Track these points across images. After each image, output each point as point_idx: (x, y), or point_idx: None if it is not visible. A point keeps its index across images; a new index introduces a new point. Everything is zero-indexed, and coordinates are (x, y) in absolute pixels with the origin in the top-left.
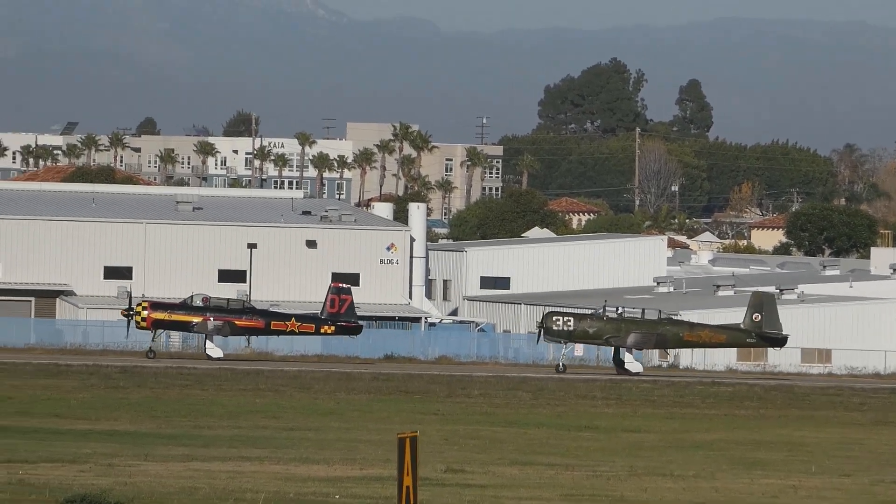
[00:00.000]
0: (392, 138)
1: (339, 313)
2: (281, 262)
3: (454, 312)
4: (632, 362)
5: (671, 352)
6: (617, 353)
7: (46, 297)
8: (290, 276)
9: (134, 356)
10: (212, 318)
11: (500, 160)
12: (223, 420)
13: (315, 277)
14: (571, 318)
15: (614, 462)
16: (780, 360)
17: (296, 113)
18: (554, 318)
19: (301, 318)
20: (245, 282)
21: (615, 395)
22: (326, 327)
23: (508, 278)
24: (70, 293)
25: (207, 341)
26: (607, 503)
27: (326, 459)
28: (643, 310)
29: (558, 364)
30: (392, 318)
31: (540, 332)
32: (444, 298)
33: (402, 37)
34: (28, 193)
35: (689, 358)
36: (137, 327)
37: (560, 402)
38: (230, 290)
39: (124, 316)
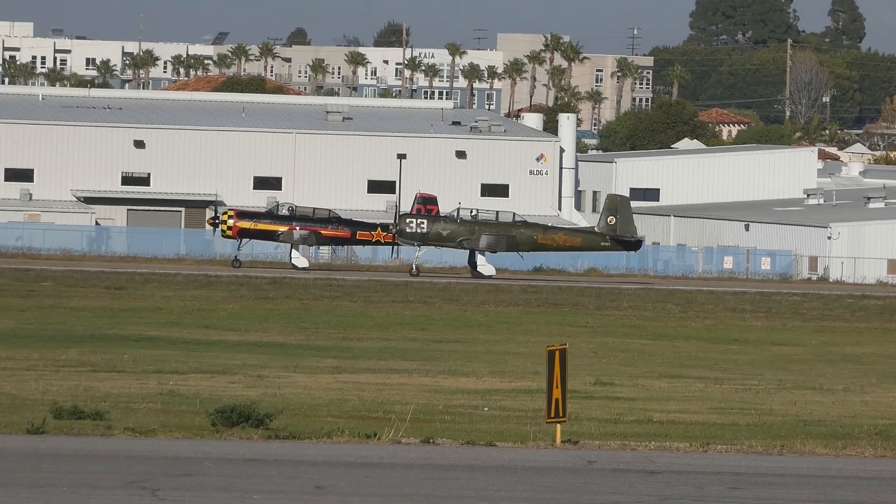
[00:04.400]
0: (543, 49)
1: None
2: (430, 172)
3: None
4: (484, 265)
5: (820, 265)
6: (472, 255)
7: (196, 208)
8: (439, 186)
9: (283, 268)
10: (298, 228)
11: (651, 71)
12: (372, 332)
13: (465, 188)
14: (425, 221)
15: (763, 375)
16: None
17: (446, 23)
18: (407, 221)
19: (387, 227)
20: (394, 192)
21: (764, 308)
22: None
23: (658, 189)
24: (220, 203)
25: (293, 250)
26: (756, 416)
27: (475, 372)
28: (497, 212)
29: (412, 267)
30: None
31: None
32: (593, 210)
33: None
34: (179, 103)
35: (838, 271)
36: (223, 236)
37: (709, 314)
38: (379, 201)
39: (210, 224)
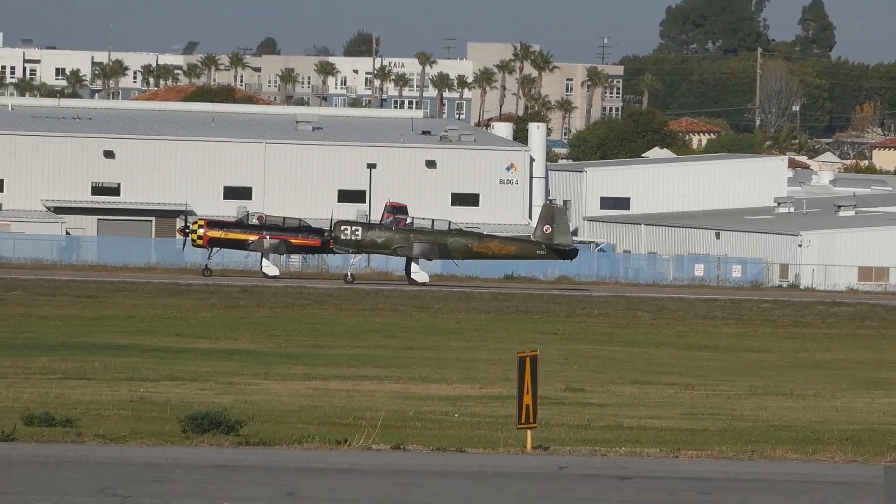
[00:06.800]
0: (513, 58)
1: None
2: (400, 182)
3: (574, 233)
4: (417, 272)
5: (791, 272)
6: (408, 263)
7: (167, 217)
8: (409, 196)
9: (254, 276)
10: (268, 237)
11: (621, 80)
12: (343, 339)
13: (435, 197)
14: (360, 228)
15: (734, 381)
16: None
17: (417, 33)
18: (342, 228)
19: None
20: (364, 202)
21: (735, 315)
22: None
23: (628, 198)
24: (190, 213)
25: (263, 259)
26: (727, 422)
27: (446, 378)
28: (433, 220)
29: (346, 274)
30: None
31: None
32: None
33: None
34: (148, 113)
35: (809, 278)
36: (193, 245)
37: (680, 321)
38: (349, 210)
39: (181, 234)
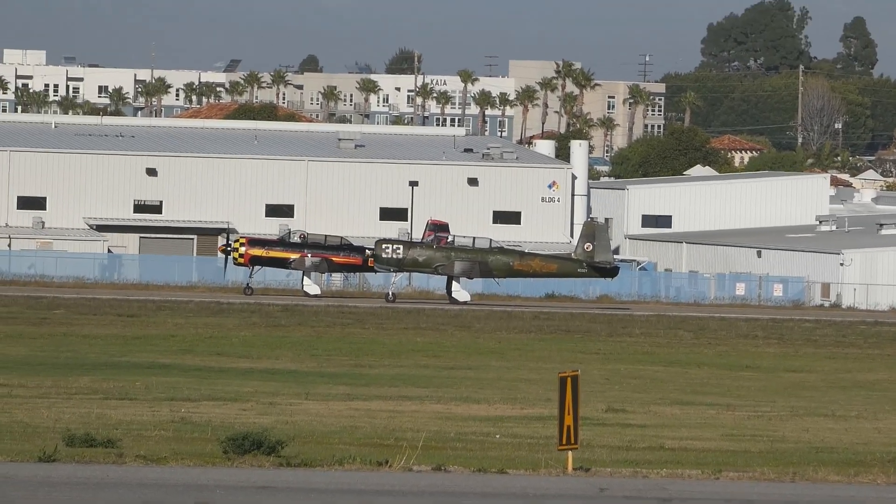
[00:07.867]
0: (554, 76)
1: None
2: (442, 199)
3: (615, 251)
4: (459, 291)
5: (833, 291)
6: (449, 281)
7: (209, 235)
8: (451, 213)
9: (295, 295)
10: (309, 255)
11: (663, 98)
12: (384, 359)
13: (477, 215)
14: (401, 246)
15: (775, 402)
16: None
17: (458, 50)
18: (384, 246)
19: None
20: (406, 220)
21: (776, 335)
22: None
23: (670, 216)
24: (232, 231)
25: (305, 278)
26: (769, 443)
27: (487, 399)
28: (474, 238)
29: (387, 293)
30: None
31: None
32: None
33: None
34: (191, 131)
35: (851, 297)
36: (235, 263)
37: (721, 341)
38: (392, 229)
39: (222, 252)
